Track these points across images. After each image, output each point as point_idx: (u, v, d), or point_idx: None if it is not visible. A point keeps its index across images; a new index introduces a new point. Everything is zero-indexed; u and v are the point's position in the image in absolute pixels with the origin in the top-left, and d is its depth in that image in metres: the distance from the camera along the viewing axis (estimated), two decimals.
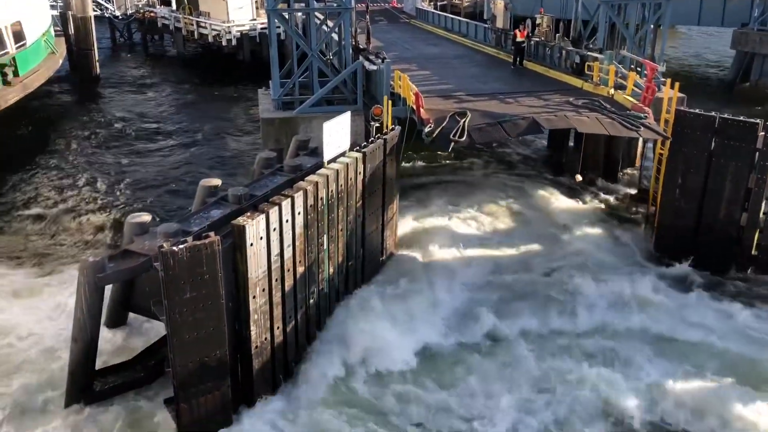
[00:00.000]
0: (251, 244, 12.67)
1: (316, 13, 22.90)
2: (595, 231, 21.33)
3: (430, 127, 18.08)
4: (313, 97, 21.85)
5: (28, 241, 21.46)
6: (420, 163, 27.48)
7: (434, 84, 23.98)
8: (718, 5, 42.32)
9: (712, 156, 18.90)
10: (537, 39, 27.17)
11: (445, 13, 42.13)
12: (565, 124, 18.75)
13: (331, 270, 15.79)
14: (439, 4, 49.86)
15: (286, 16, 22.41)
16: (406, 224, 21.04)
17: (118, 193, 24.83)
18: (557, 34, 26.30)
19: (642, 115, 18.93)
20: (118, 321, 15.74)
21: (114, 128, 33.00)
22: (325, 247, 15.31)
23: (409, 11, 48.09)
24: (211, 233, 12.16)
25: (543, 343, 16.15)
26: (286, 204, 13.49)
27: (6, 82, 27.67)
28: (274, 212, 13.15)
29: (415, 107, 18.96)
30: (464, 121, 18.10)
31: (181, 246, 11.63)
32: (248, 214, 12.88)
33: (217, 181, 15.93)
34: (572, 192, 24.15)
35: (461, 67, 27.43)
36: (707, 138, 18.93)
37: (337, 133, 15.65)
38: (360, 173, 16.30)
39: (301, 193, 13.95)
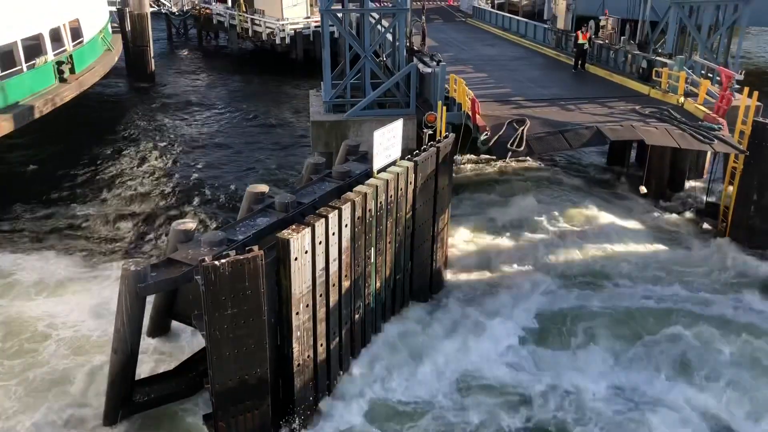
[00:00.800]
0: (296, 259, 12.10)
1: (371, 13, 22.27)
2: (660, 246, 19.99)
3: (487, 134, 17.26)
4: (365, 101, 21.23)
5: (77, 235, 21.56)
6: (470, 166, 26.58)
7: (491, 87, 23.10)
8: None
9: None
10: (600, 41, 25.91)
11: (502, 12, 40.98)
12: (631, 135, 17.62)
13: (378, 284, 15.12)
14: (496, 2, 48.62)
15: (340, 17, 21.84)
16: (455, 233, 20.21)
17: (167, 193, 24.74)
18: (622, 37, 25.00)
19: (716, 126, 17.66)
20: (160, 330, 15.42)
21: (166, 127, 33.12)
22: (372, 260, 14.65)
23: (466, 9, 47.11)
24: (255, 247, 11.63)
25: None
26: (333, 216, 12.88)
27: (62, 80, 27.92)
28: (320, 225, 12.55)
29: (470, 113, 18.13)
30: (523, 129, 17.21)
31: (223, 260, 11.13)
32: (293, 227, 12.30)
33: (264, 188, 15.43)
34: (635, 204, 22.84)
35: (519, 69, 26.40)
36: None
37: (387, 141, 14.94)
38: (411, 183, 15.56)
39: (348, 204, 13.31)
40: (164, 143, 30.56)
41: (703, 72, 22.66)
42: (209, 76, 44.87)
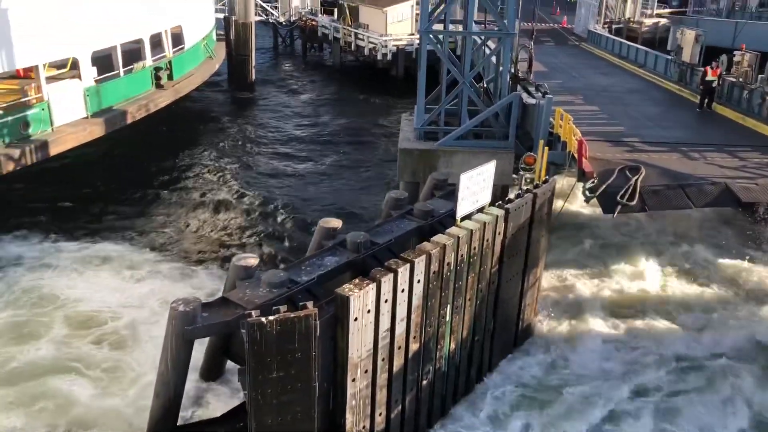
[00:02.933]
0: (356, 319, 10.53)
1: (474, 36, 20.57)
2: None
3: (593, 182, 15.09)
4: (459, 130, 19.50)
5: (148, 251, 20.91)
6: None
7: (602, 124, 20.82)
8: None
9: None
10: (733, 79, 22.94)
11: (620, 39, 38.06)
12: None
13: (453, 346, 13.29)
14: (614, 27, 45.48)
15: (441, 38, 20.24)
16: (545, 280, 17.99)
17: (238, 214, 23.56)
18: (760, 75, 21.97)
19: None
20: (215, 371, 14.26)
21: (254, 142, 32.35)
22: (447, 319, 12.86)
23: (580, 33, 44.45)
24: (309, 303, 10.14)
25: None
26: (403, 271, 11.21)
27: (159, 86, 27.84)
28: (387, 281, 10.91)
29: (576, 155, 16.03)
30: (637, 179, 14.93)
31: (270, 318, 9.72)
32: (356, 281, 10.74)
33: (337, 223, 14.08)
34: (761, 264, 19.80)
35: (636, 104, 23.82)
36: None
37: (476, 186, 13.13)
38: (500, 234, 13.66)
39: (423, 257, 11.60)
40: (249, 159, 29.69)
41: None
42: (309, 89, 44.34)
